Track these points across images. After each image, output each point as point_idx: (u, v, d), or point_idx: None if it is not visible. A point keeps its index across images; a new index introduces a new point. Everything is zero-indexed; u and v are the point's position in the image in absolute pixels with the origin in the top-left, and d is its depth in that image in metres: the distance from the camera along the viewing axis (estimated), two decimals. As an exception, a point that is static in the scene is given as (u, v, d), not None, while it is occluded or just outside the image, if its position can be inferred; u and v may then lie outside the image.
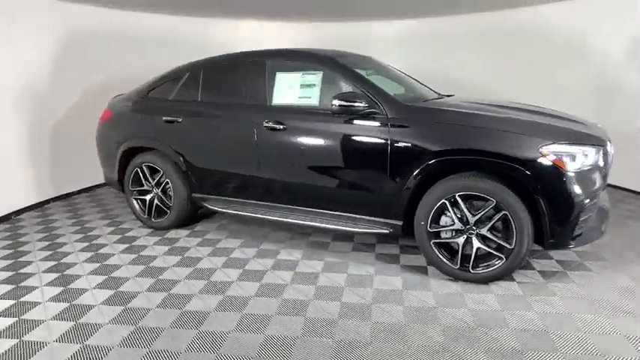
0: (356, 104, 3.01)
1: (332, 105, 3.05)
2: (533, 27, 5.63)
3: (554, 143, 2.65)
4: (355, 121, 3.10)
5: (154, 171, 4.04)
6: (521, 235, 2.70)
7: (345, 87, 3.26)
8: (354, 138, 3.12)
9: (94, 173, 5.66)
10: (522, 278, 2.97)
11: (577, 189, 2.63)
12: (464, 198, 2.83)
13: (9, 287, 3.03)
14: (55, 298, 2.87)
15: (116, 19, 5.57)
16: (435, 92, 3.99)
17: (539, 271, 3.07)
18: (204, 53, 4.25)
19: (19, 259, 3.50)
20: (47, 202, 5.09)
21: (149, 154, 4.01)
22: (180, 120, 3.78)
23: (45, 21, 4.84)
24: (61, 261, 3.46)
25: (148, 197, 4.12)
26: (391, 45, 6.70)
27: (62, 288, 3.01)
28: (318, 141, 3.26)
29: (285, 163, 3.43)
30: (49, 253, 3.63)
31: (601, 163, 2.75)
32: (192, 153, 3.80)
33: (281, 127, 3.33)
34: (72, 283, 3.07)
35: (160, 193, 4.05)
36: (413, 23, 6.63)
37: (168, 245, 3.74)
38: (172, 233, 4.02)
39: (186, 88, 3.91)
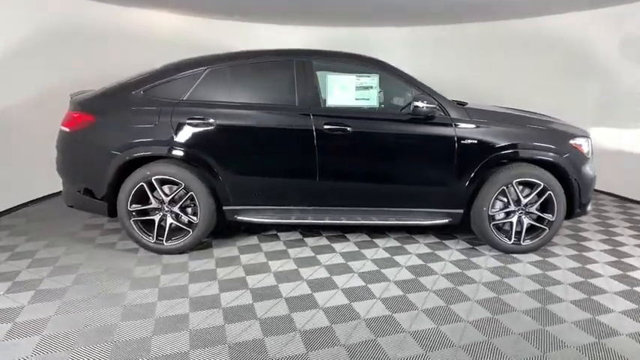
0: (431, 106, 3.28)
1: (413, 107, 3.26)
2: (537, 37, 5.87)
3: (576, 137, 3.50)
4: (424, 122, 3.36)
5: (160, 184, 3.40)
6: (560, 209, 3.45)
7: (402, 90, 3.50)
8: (424, 137, 3.39)
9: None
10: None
11: (592, 169, 3.53)
12: (517, 184, 3.43)
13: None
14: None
15: None
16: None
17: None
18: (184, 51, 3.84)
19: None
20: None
21: (161, 163, 3.35)
22: (211, 123, 3.30)
23: None
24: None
25: (156, 217, 3.42)
26: (396, 49, 6.67)
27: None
28: (387, 141, 3.40)
29: (350, 165, 3.43)
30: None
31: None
32: (231, 161, 3.37)
33: (346, 129, 3.32)
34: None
35: (175, 210, 3.42)
36: (416, 30, 6.81)
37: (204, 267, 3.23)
38: (198, 254, 3.46)
39: (206, 86, 3.41)
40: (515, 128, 3.46)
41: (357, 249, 3.62)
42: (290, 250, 3.58)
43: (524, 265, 3.37)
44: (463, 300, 2.82)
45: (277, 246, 3.67)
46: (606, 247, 3.75)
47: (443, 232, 4.00)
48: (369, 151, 3.41)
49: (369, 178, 3.46)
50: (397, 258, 3.45)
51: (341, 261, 3.39)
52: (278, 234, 3.91)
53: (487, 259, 3.46)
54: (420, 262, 3.39)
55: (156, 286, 2.96)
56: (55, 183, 4.94)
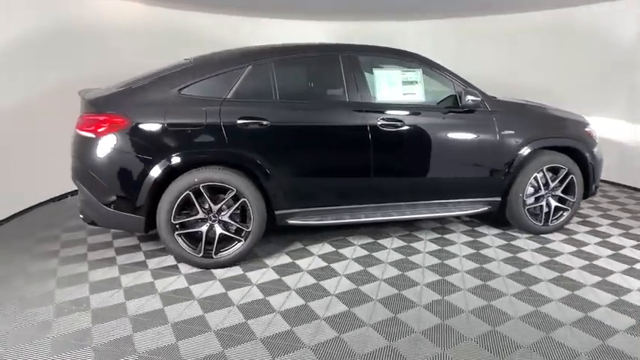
0: (477, 99, 3.42)
1: (467, 101, 3.37)
2: (563, 27, 5.72)
3: (588, 124, 3.89)
4: (470, 114, 3.48)
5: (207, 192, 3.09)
6: (580, 191, 3.81)
7: (439, 84, 3.58)
8: (472, 130, 3.50)
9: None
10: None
11: (600, 153, 3.94)
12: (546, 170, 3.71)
13: None
14: None
15: None
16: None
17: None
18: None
19: None
20: None
21: (209, 168, 3.04)
22: (264, 123, 3.07)
23: None
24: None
25: (204, 228, 3.09)
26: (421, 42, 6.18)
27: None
28: (439, 135, 3.45)
29: (403, 159, 3.43)
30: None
31: (593, 137, 4.17)
32: (286, 162, 3.18)
33: (399, 124, 3.31)
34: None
35: (225, 218, 3.12)
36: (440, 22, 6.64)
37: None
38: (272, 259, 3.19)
39: (249, 84, 3.16)
40: (544, 118, 3.76)
41: (405, 243, 3.64)
42: (341, 251, 3.48)
43: (559, 243, 3.66)
44: (536, 282, 2.99)
45: (326, 248, 3.55)
46: (609, 221, 4.23)
47: (471, 220, 4.19)
48: (422, 145, 3.44)
49: (421, 171, 3.49)
50: (449, 249, 3.54)
51: (400, 256, 3.38)
52: (319, 236, 3.77)
53: (525, 242, 3.69)
54: (471, 250, 3.51)
55: (231, 304, 2.69)
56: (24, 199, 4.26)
